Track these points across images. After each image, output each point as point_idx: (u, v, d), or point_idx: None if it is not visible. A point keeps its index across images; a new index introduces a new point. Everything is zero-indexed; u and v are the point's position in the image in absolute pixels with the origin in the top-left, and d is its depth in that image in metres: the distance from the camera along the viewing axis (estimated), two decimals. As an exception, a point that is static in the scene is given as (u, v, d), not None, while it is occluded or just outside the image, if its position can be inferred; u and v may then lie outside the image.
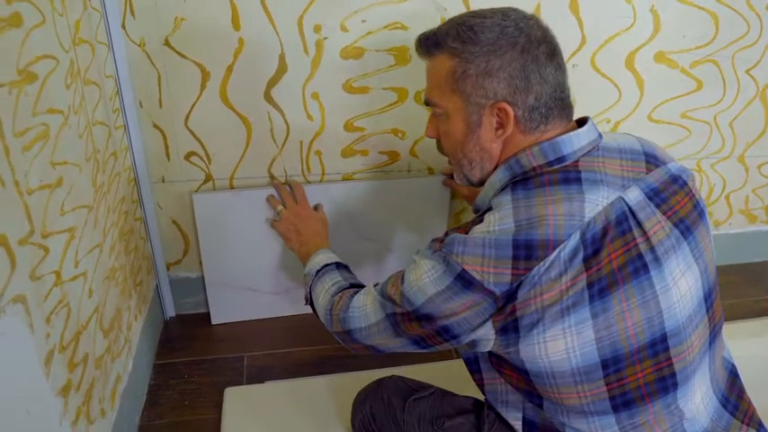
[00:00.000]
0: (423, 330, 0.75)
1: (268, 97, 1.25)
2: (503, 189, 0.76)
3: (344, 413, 1.13)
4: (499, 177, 0.78)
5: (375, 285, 0.86)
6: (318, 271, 1.03)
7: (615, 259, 0.69)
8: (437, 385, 0.98)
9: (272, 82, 1.23)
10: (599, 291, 0.68)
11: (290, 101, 1.26)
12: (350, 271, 1.05)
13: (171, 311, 1.48)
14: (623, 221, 0.71)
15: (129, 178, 1.24)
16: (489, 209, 0.74)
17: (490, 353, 0.76)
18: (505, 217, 0.70)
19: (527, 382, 0.75)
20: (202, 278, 1.42)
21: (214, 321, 1.46)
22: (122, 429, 1.07)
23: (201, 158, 1.30)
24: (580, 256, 0.68)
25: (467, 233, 0.72)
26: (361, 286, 0.95)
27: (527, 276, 0.67)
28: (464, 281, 0.69)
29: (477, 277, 0.68)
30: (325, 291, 0.97)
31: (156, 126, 1.25)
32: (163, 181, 1.32)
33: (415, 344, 0.79)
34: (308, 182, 1.35)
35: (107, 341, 1.03)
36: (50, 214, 0.77)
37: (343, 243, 1.32)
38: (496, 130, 0.77)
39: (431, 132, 0.89)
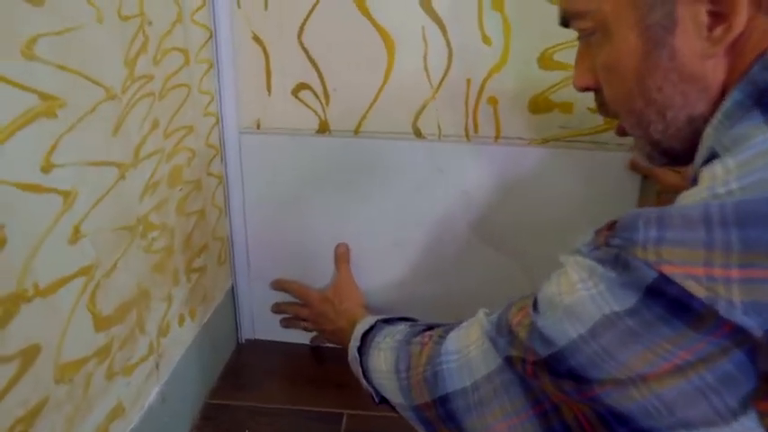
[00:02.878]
0: (569, 403, 0.42)
1: (426, 4, 0.79)
2: (740, 119, 0.38)
3: None
4: (734, 103, 0.39)
5: (486, 314, 0.52)
6: (361, 345, 0.68)
7: None
8: None
9: (436, -24, 0.78)
10: None
11: (460, 10, 0.80)
12: (411, 318, 0.70)
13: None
14: None
15: (206, 109, 0.83)
16: (712, 157, 0.38)
17: None
18: (755, 161, 0.34)
19: None
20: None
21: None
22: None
23: (316, 95, 0.86)
24: None
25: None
26: (444, 326, 0.60)
27: None
28: (666, 301, 0.35)
29: (698, 292, 0.33)
30: (384, 352, 0.63)
31: (256, 39, 0.84)
32: (258, 127, 0.89)
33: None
34: (468, 141, 0.86)
35: (103, 337, 0.58)
36: None
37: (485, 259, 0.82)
38: (709, 30, 0.40)
39: (582, 79, 0.51)
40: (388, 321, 0.69)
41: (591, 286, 0.38)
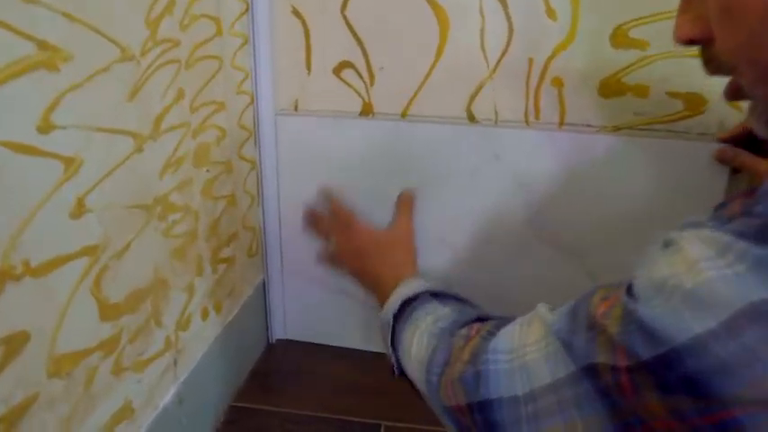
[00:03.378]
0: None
1: (483, -28, 0.71)
2: None
3: None
4: None
5: (549, 309, 0.42)
6: (399, 312, 0.55)
7: None
8: None
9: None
10: None
11: (523, -22, 0.71)
12: (463, 300, 0.56)
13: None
14: None
15: (239, 87, 0.76)
16: None
17: None
18: None
19: None
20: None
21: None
22: None
23: (360, 74, 0.79)
24: None
25: None
26: (496, 319, 0.48)
27: None
28: None
29: None
30: (420, 335, 0.51)
31: (296, 12, 0.77)
32: (296, 108, 0.82)
33: None
34: (527, 126, 0.76)
35: (110, 327, 0.52)
36: None
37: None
38: None
39: (687, 29, 0.38)
40: (436, 295, 0.57)
41: (724, 265, 0.28)
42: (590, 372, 0.35)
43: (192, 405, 0.68)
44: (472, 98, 0.77)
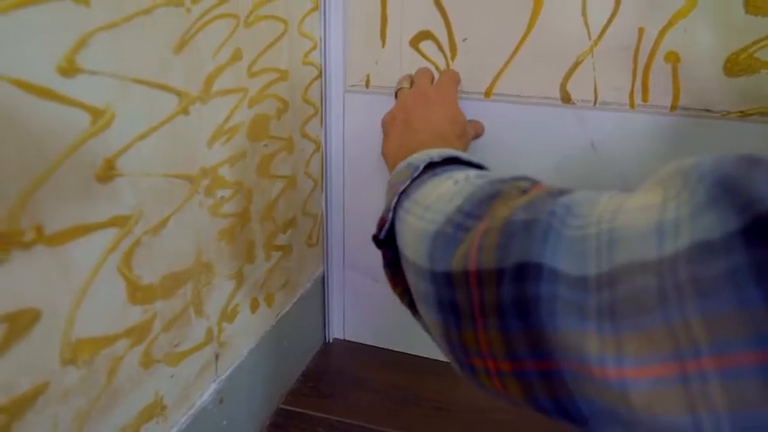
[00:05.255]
0: None
1: (590, -73, 0.61)
2: None
3: None
4: None
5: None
6: (433, 163, 0.43)
7: None
8: None
9: None
10: None
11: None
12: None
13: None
14: None
15: (305, 57, 0.69)
16: None
17: None
18: None
19: None
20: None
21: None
22: None
23: (440, 47, 0.70)
24: None
25: None
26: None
27: None
28: None
29: None
30: (453, 183, 0.38)
31: (371, -25, 0.69)
32: (367, 84, 0.74)
33: None
34: (632, 109, 0.65)
35: (140, 312, 0.45)
36: None
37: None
38: None
39: None
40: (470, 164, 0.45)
41: None
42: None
43: (235, 405, 0.61)
44: (568, 76, 0.67)
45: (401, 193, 0.42)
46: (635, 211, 0.26)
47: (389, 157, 0.56)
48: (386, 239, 0.42)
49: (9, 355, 0.34)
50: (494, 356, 0.30)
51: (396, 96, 0.67)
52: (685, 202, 0.24)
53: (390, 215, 0.42)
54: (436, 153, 0.44)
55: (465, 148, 0.62)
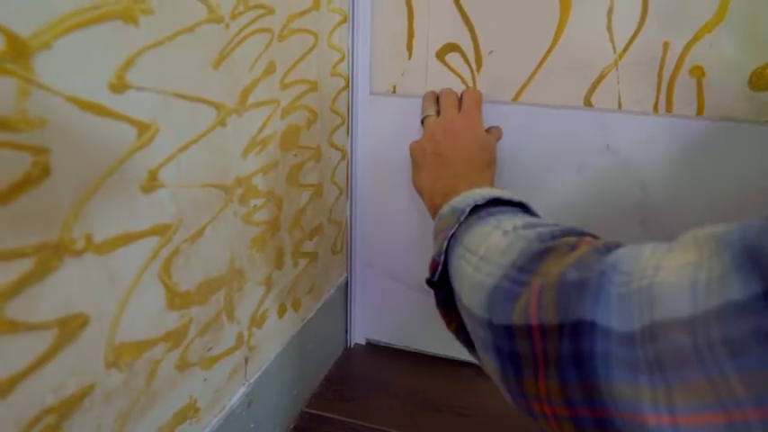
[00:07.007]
0: None
1: (617, -57, 0.62)
2: None
3: None
4: None
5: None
6: (477, 206, 0.46)
7: None
8: None
9: None
10: None
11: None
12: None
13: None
14: None
15: (334, 68, 0.70)
16: None
17: None
18: None
19: None
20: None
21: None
22: None
23: (466, 59, 0.71)
24: None
25: None
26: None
27: None
28: None
29: None
30: (504, 233, 0.41)
31: (400, -12, 0.71)
32: (394, 92, 0.75)
33: None
34: (653, 113, 0.66)
35: (178, 317, 0.47)
36: None
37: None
38: None
39: None
40: (527, 211, 0.47)
41: None
42: None
43: (262, 408, 0.63)
44: (593, 88, 0.67)
45: (450, 237, 0.45)
46: (672, 269, 0.28)
47: (425, 189, 0.60)
48: (438, 281, 0.45)
49: (59, 359, 0.36)
50: (551, 402, 0.32)
51: (422, 123, 0.69)
52: (717, 266, 0.26)
53: (442, 258, 0.44)
54: (479, 196, 0.47)
55: (494, 173, 0.64)
